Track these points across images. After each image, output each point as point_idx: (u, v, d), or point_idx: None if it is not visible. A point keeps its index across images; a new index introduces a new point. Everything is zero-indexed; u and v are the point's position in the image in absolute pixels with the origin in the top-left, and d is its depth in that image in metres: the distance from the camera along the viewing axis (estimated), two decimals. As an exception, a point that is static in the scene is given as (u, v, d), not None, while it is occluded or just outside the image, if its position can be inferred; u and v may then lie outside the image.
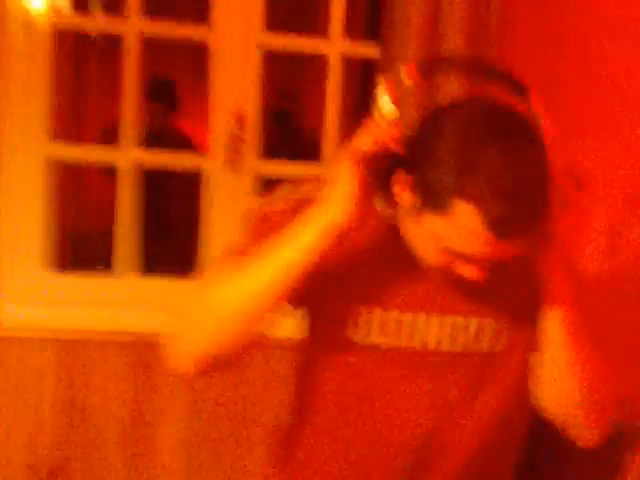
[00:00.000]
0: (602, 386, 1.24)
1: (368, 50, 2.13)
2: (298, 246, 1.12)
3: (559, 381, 1.22)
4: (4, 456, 2.09)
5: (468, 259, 1.09)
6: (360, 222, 1.12)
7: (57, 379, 2.08)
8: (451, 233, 1.06)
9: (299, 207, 1.17)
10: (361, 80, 2.31)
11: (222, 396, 2.12)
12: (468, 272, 1.11)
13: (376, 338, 1.22)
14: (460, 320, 1.22)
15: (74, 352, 2.07)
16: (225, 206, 2.15)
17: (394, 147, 1.07)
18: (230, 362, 1.22)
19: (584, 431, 1.27)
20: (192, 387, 2.11)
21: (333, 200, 1.10)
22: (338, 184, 1.10)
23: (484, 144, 1.02)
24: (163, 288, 2.16)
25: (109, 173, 2.54)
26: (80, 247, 2.95)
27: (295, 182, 1.29)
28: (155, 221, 2.76)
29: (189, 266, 2.16)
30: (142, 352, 2.07)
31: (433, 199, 1.05)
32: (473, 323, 1.22)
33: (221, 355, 1.19)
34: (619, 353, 1.24)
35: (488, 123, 1.04)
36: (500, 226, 1.02)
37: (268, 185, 2.07)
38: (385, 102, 1.08)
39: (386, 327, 1.21)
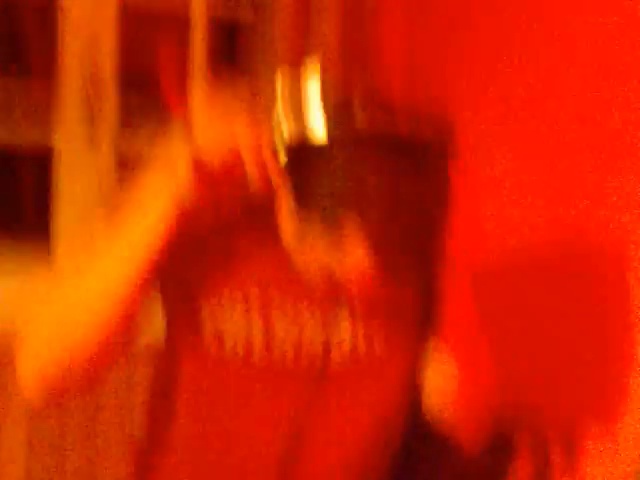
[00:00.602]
0: (486, 391, 1.27)
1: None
2: (140, 234, 1.12)
3: (443, 382, 1.25)
4: None
5: (352, 281, 1.12)
6: (208, 207, 1.15)
7: None
8: (335, 256, 1.09)
9: None
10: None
11: (69, 401, 2.02)
12: (351, 291, 1.16)
13: (234, 347, 1.20)
14: (330, 328, 1.23)
15: None
16: (81, 186, 2.07)
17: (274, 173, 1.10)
18: (87, 379, 1.16)
19: (464, 435, 1.30)
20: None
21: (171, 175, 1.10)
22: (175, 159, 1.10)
23: (375, 174, 1.05)
24: (7, 282, 2.03)
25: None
26: None
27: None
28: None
29: (39, 256, 2.07)
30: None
31: (319, 221, 1.08)
32: (344, 331, 1.23)
33: (74, 366, 1.12)
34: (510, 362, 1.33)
35: (381, 152, 1.07)
36: (383, 256, 1.07)
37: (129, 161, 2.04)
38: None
39: (248, 336, 1.20)
